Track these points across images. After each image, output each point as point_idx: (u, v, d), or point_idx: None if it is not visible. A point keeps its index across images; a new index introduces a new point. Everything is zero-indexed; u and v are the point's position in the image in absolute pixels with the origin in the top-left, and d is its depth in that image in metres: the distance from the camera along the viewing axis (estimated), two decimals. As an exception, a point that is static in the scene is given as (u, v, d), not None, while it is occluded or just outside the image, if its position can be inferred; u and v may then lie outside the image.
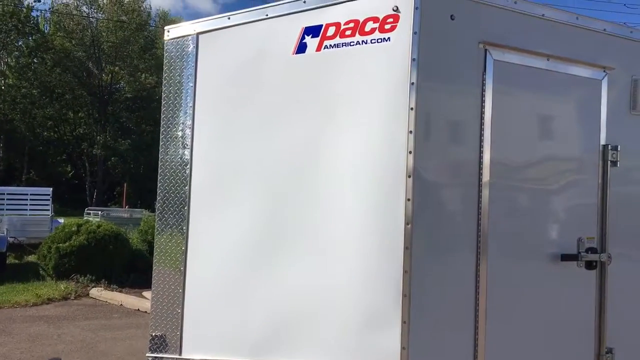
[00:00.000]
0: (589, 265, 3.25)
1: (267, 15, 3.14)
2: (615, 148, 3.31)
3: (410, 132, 2.74)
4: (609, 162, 3.30)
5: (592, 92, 3.30)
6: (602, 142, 3.31)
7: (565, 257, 3.16)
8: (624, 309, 3.36)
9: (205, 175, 3.26)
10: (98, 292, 8.83)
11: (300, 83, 3.09)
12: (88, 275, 9.30)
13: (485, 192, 2.93)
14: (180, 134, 3.36)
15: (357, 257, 2.86)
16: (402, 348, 2.68)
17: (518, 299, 3.05)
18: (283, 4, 3.10)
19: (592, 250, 3.25)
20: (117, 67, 31.14)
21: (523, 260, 3.09)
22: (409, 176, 2.73)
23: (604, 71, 3.31)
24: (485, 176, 2.93)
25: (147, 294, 8.01)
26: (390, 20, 2.77)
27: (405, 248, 2.72)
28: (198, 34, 3.33)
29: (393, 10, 2.76)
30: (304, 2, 3.01)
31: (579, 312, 3.24)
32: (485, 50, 2.92)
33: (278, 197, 3.08)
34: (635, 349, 3.40)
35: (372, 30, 2.81)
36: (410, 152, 2.74)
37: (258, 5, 3.13)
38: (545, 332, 3.13)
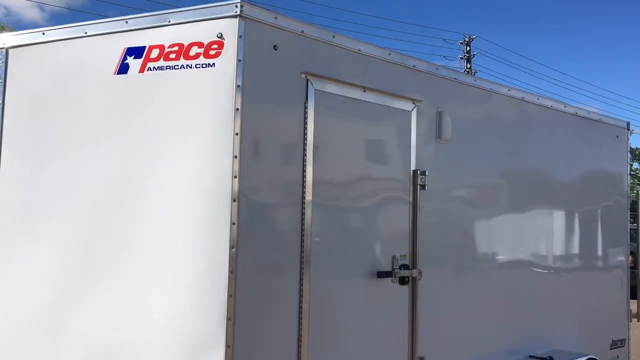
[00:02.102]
0: (402, 280, 3.53)
1: (86, 33, 3.01)
2: (423, 173, 3.64)
3: (235, 157, 2.78)
4: (418, 185, 3.62)
5: (403, 121, 3.61)
6: (413, 167, 3.62)
7: (381, 274, 3.40)
8: (433, 320, 3.69)
9: (11, 199, 3.02)
10: None
11: (122, 104, 3.00)
12: None
13: (308, 213, 3.06)
14: (-15, 154, 3.07)
15: (182, 283, 2.82)
16: (227, 372, 2.68)
17: (340, 315, 3.21)
18: (104, 22, 3.00)
19: (404, 266, 3.52)
20: None
21: (344, 278, 3.27)
22: (234, 200, 2.77)
23: (414, 103, 3.65)
24: (308, 197, 3.06)
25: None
26: (215, 46, 2.80)
27: (230, 272, 2.74)
28: (7, 48, 3.09)
29: (217, 37, 2.79)
30: (126, 22, 2.94)
31: (394, 324, 3.49)
32: (307, 80, 3.08)
33: (97, 224, 2.94)
34: (442, 357, 3.74)
35: (197, 55, 2.82)
36: (235, 177, 2.78)
37: (88, 17, 2.99)
38: (364, 345, 3.32)
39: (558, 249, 4.84)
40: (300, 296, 3.01)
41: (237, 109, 2.79)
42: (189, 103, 2.88)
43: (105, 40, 2.99)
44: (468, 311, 3.97)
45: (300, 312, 3.00)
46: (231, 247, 2.75)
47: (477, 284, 4.08)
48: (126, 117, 3.00)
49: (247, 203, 2.82)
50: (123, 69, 2.93)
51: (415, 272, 3.55)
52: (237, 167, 2.77)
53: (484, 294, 4.12)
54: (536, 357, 4.36)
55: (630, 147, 5.76)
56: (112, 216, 2.95)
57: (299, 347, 2.98)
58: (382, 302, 3.43)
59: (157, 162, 2.91)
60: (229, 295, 2.73)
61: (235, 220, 2.76)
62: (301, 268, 3.02)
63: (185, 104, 2.88)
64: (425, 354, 3.60)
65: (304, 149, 3.06)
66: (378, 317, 3.41)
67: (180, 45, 2.85)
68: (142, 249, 2.91)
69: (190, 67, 2.84)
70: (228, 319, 2.72)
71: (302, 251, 3.03)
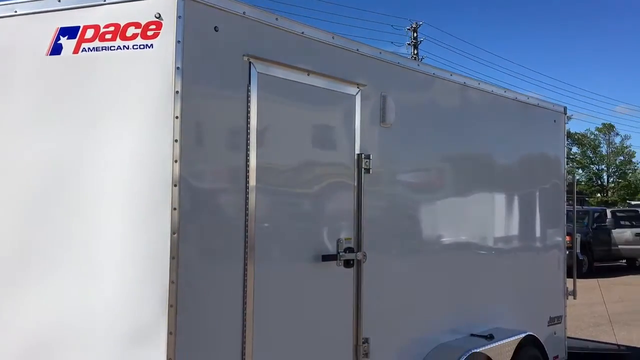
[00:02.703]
0: (347, 263, 3.55)
1: (16, 11, 2.88)
2: (367, 157, 3.66)
3: (176, 140, 2.72)
4: (363, 169, 3.64)
5: (348, 106, 3.62)
6: (357, 151, 3.64)
7: (326, 258, 3.42)
8: (377, 302, 3.74)
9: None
10: None
11: (56, 86, 2.89)
12: None
13: (252, 198, 3.03)
14: None
15: (122, 270, 2.76)
16: (169, 359, 2.64)
17: (285, 300, 3.21)
18: (36, 1, 2.87)
19: (349, 249, 3.55)
20: None
21: (289, 262, 3.27)
22: (175, 185, 2.71)
23: (358, 87, 3.66)
24: (252, 182, 3.03)
25: None
26: (153, 27, 2.72)
27: (172, 258, 2.69)
28: None
29: (155, 17, 2.72)
30: (59, 1, 2.82)
31: (339, 307, 3.52)
32: (250, 62, 3.03)
33: (32, 212, 2.84)
34: (387, 337, 3.80)
35: (134, 36, 2.74)
36: (176, 161, 2.72)
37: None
38: (310, 328, 3.34)
39: (499, 231, 4.99)
40: (245, 282, 2.99)
41: (177, 92, 2.73)
42: (126, 85, 2.80)
43: (37, 19, 2.87)
44: (412, 292, 4.05)
45: (244, 298, 2.98)
46: (172, 232, 2.70)
47: (420, 265, 4.16)
48: (61, 100, 2.89)
49: (188, 188, 2.77)
50: (56, 49, 2.81)
51: (359, 255, 3.59)
52: (177, 151, 2.71)
53: (428, 276, 4.21)
54: (477, 335, 4.49)
55: (570, 132, 5.97)
56: (47, 203, 2.85)
57: (244, 332, 2.97)
58: (327, 285, 3.45)
59: (94, 146, 2.82)
60: (171, 282, 2.68)
61: (176, 205, 2.71)
62: (245, 254, 3.00)
63: (123, 87, 2.80)
64: (370, 335, 3.65)
65: (247, 133, 3.02)
66: (323, 300, 3.43)
67: (117, 26, 2.76)
68: (79, 236, 2.82)
69: (127, 48, 2.75)
70: (170, 305, 2.67)
71: (246, 237, 3.00)
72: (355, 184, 3.63)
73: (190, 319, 2.75)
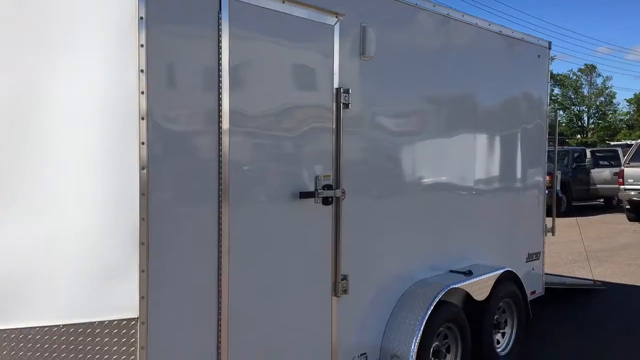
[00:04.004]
0: (326, 201, 3.48)
1: None
2: (347, 91, 3.53)
3: (142, 70, 2.57)
4: (341, 104, 3.52)
5: (326, 37, 3.45)
6: (336, 85, 3.51)
7: (304, 195, 3.33)
8: (356, 240, 3.70)
9: None
10: None
11: (13, 14, 2.69)
12: None
13: (226, 138, 2.91)
14: None
15: (90, 206, 2.64)
16: (141, 297, 2.58)
17: (262, 239, 3.14)
18: None
19: (328, 187, 3.47)
20: None
21: (266, 201, 3.17)
22: (142, 118, 2.58)
23: (336, 17, 3.49)
24: (225, 118, 2.91)
25: None
26: (113, -55, 2.52)
27: (142, 194, 2.59)
28: None
29: None
30: None
31: (318, 244, 3.46)
32: (220, -13, 2.84)
33: (-9, 145, 2.68)
34: (365, 274, 3.78)
35: (93, -44, 2.53)
36: (142, 93, 2.57)
37: None
38: (288, 266, 3.29)
39: (479, 169, 4.93)
40: (219, 221, 2.90)
41: (142, 18, 2.55)
42: (87, 12, 2.61)
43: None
44: (391, 230, 4.01)
45: (219, 236, 2.90)
46: (141, 168, 2.58)
47: (400, 203, 4.10)
48: (19, 29, 2.69)
49: (157, 122, 2.63)
50: (8, -29, 2.60)
51: (338, 192, 3.51)
52: (143, 82, 2.56)
53: (407, 213, 4.16)
54: (456, 272, 4.50)
55: (552, 73, 5.87)
56: (7, 140, 2.70)
57: (219, 270, 2.91)
58: (306, 223, 3.38)
59: (58, 80, 2.65)
60: (141, 219, 2.59)
61: (144, 139, 2.58)
62: (219, 196, 2.89)
63: (83, 13, 2.61)
64: (349, 272, 3.62)
65: (219, 65, 2.87)
66: (301, 238, 3.37)
67: (74, -56, 2.55)
68: (44, 173, 2.69)
69: (86, -30, 2.55)
70: (141, 243, 2.58)
71: (220, 177, 2.89)
72: (334, 119, 3.51)
73: (163, 257, 2.67)
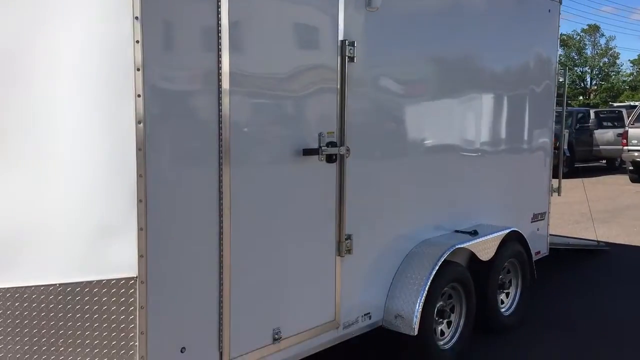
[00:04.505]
0: (329, 158, 3.36)
1: None
2: (352, 44, 3.38)
3: (136, 18, 2.42)
4: (346, 57, 3.37)
5: (330, -14, 3.28)
6: (340, 37, 3.35)
7: (307, 152, 3.22)
8: (361, 199, 3.60)
9: None
10: None
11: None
12: None
13: (226, 99, 2.77)
14: None
15: (85, 163, 2.53)
16: (140, 256, 2.49)
17: (264, 198, 3.03)
18: None
19: (332, 144, 3.35)
20: None
21: (268, 160, 3.05)
22: (138, 69, 2.44)
23: (341, -35, 3.30)
24: (225, 75, 2.76)
25: None
26: None
27: (138, 149, 2.47)
28: None
29: None
30: None
31: (321, 203, 3.36)
32: None
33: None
34: (369, 234, 3.70)
35: None
36: (137, 42, 2.43)
37: None
38: (290, 226, 3.19)
39: (485, 129, 4.80)
40: (220, 181, 2.78)
41: (136, -38, 2.39)
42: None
43: None
44: (396, 189, 3.91)
45: (220, 195, 2.79)
46: (138, 122, 2.46)
47: (405, 162, 3.99)
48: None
49: (153, 73, 2.49)
50: None
51: (343, 150, 3.39)
52: (138, 30, 2.42)
53: (412, 173, 4.05)
54: (462, 232, 4.43)
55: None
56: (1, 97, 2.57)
57: (220, 229, 2.81)
58: (309, 181, 3.28)
59: (49, 33, 2.50)
60: (139, 176, 2.48)
61: (140, 92, 2.44)
62: (220, 157, 2.77)
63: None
64: (353, 231, 3.54)
65: (218, 22, 2.71)
66: (304, 197, 3.26)
67: None
68: (37, 129, 2.57)
69: None
70: (139, 200, 2.48)
71: (220, 136, 2.77)
72: (339, 74, 3.37)
73: (162, 215, 2.57)
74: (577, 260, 7.03)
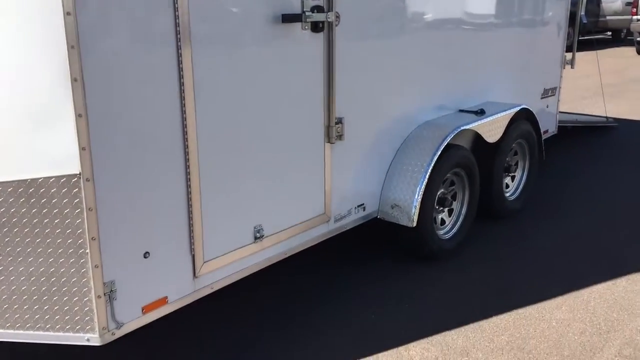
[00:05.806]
0: (315, 27, 2.81)
1: None
2: None
3: None
4: None
5: None
6: None
7: (287, 18, 2.66)
8: (353, 76, 3.08)
9: None
10: None
11: None
12: None
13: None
14: None
15: (7, 33, 2.00)
16: (82, 148, 2.03)
17: (234, 76, 2.51)
18: None
19: (318, 8, 2.78)
20: None
21: (237, 31, 2.49)
22: None
23: None
24: None
25: None
26: None
27: (67, 14, 1.92)
28: None
29: None
30: None
31: (306, 82, 2.86)
32: None
33: None
34: (362, 116, 3.22)
35: None
36: None
37: None
38: (271, 108, 2.71)
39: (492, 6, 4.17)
40: (179, 61, 2.25)
41: None
42: None
43: None
44: (394, 66, 3.38)
45: (181, 79, 2.27)
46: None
47: (404, 34, 3.42)
48: None
49: None
50: None
51: (331, 16, 2.83)
52: None
53: (412, 46, 3.49)
54: (467, 111, 3.96)
55: None
56: None
57: (183, 115, 2.32)
58: (290, 55, 2.74)
59: None
60: (70, 47, 1.94)
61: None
62: (177, 35, 2.22)
63: None
64: (345, 114, 3.07)
65: None
66: (285, 74, 2.74)
67: None
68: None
69: None
70: (74, 79, 1.97)
71: (176, 17, 2.20)
72: None
73: (106, 99, 2.07)
74: (585, 137, 6.63)
